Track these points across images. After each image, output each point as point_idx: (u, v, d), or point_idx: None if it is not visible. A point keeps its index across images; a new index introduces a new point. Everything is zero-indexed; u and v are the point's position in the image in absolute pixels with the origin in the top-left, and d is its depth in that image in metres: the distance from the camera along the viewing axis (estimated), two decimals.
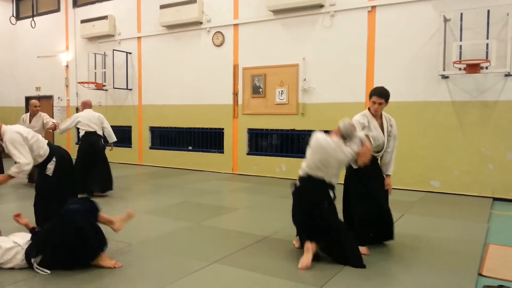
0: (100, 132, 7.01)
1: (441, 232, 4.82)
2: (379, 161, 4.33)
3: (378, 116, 4.20)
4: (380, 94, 4.07)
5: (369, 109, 4.20)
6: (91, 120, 6.93)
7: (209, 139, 10.09)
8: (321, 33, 8.30)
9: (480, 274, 3.51)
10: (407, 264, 3.72)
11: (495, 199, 6.77)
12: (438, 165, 7.28)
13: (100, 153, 6.94)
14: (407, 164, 7.53)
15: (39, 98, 13.36)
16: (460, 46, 6.81)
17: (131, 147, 11.36)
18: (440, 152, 7.25)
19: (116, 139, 7.33)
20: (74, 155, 5.54)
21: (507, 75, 6.58)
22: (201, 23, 9.78)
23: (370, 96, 4.13)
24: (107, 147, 7.17)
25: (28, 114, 7.49)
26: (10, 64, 13.79)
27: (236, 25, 9.34)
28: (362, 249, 3.85)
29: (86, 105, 7.16)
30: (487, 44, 6.62)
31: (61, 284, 3.20)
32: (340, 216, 4.07)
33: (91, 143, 6.89)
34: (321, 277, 3.38)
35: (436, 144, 7.27)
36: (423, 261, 3.80)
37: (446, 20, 6.90)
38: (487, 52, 6.65)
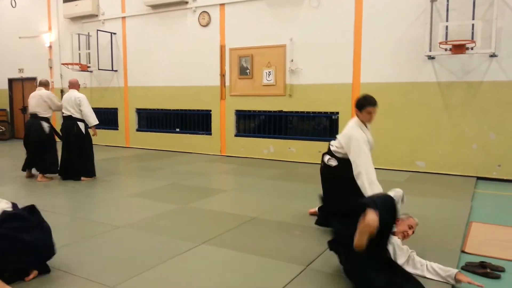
0: (77, 115, 6.63)
1: (426, 210, 4.91)
2: None
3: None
4: (376, 103, 3.83)
5: (358, 118, 3.89)
6: (68, 103, 6.63)
7: (196, 121, 10.05)
8: (308, 14, 8.24)
9: (463, 251, 3.60)
10: None
11: (478, 178, 6.90)
12: (424, 146, 7.37)
13: (78, 138, 6.63)
14: (393, 145, 7.61)
15: (22, 80, 13.16)
16: (446, 26, 6.82)
17: (117, 129, 11.26)
18: (425, 133, 7.34)
19: (95, 122, 6.78)
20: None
21: (492, 55, 6.63)
22: (186, 2, 9.61)
23: (364, 106, 3.80)
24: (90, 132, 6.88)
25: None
26: None
27: (222, 4, 9.21)
28: None
29: (70, 85, 6.87)
30: (473, 25, 6.65)
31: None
32: None
33: (66, 128, 6.66)
34: (308, 256, 3.44)
35: (422, 125, 7.35)
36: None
37: (433, 1, 6.89)
38: (472, 33, 6.69)
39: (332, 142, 4.13)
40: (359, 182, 3.57)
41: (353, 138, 3.72)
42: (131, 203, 5.29)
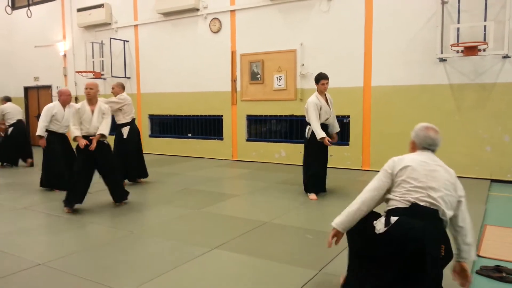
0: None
1: None
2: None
3: (323, 94, 5.75)
4: (327, 77, 5.67)
5: (316, 90, 5.72)
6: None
7: (208, 126, 10.12)
8: (319, 18, 8.26)
9: (477, 255, 3.56)
10: None
11: (492, 180, 6.82)
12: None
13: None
14: (405, 147, 7.51)
15: (37, 88, 13.40)
16: (458, 28, 6.78)
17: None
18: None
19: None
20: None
21: (505, 57, 6.57)
22: (197, 9, 9.71)
23: (319, 80, 5.66)
24: None
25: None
26: (7, 54, 13.74)
27: (233, 11, 9.28)
28: (312, 196, 5.66)
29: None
30: (485, 26, 6.60)
31: (68, 274, 3.27)
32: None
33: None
34: (320, 261, 3.44)
35: None
36: None
37: (443, 3, 6.86)
38: (484, 34, 6.63)
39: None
40: (311, 127, 5.64)
41: (308, 103, 5.63)
42: (145, 208, 5.34)
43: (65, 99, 6.52)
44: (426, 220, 2.39)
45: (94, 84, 5.36)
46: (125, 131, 6.79)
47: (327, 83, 5.66)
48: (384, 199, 2.66)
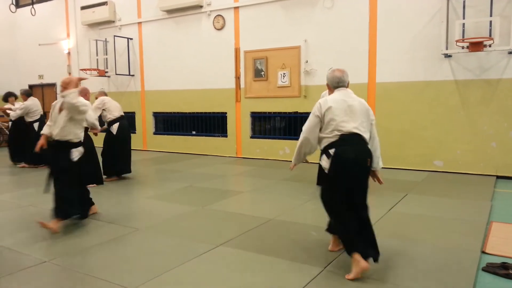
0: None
1: (445, 211, 4.86)
2: None
3: None
4: None
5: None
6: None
7: (212, 124, 10.12)
8: (322, 15, 8.23)
9: (483, 252, 3.54)
10: (410, 243, 3.77)
11: (498, 177, 6.79)
12: (441, 145, 7.28)
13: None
14: (410, 144, 7.54)
15: (42, 86, 13.44)
16: (463, 24, 6.73)
17: (135, 133, 11.40)
18: (443, 132, 7.25)
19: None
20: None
21: (511, 52, 6.52)
22: (201, 6, 9.70)
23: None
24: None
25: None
26: (11, 52, 13.78)
27: (236, 8, 9.26)
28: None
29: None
30: (491, 22, 6.55)
31: (67, 270, 3.28)
32: None
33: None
34: (325, 258, 3.44)
35: (439, 124, 7.26)
36: (426, 240, 3.85)
37: None
38: (490, 30, 6.59)
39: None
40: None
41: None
42: (150, 205, 5.35)
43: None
44: (354, 144, 3.20)
45: (66, 83, 4.38)
46: (114, 128, 6.96)
47: None
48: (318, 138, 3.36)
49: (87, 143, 6.09)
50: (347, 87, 3.43)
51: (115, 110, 7.05)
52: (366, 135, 3.28)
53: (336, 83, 3.42)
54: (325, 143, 3.28)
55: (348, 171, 3.17)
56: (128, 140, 7.25)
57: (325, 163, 3.26)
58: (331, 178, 3.24)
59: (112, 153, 6.95)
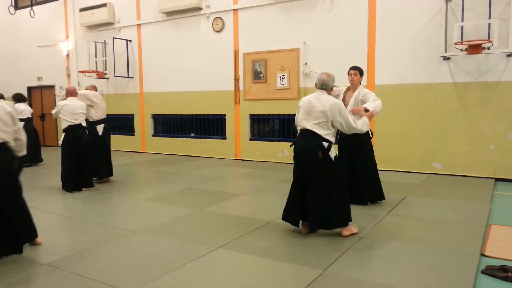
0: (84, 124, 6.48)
1: (444, 213, 4.85)
2: None
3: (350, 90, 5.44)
4: (354, 67, 5.35)
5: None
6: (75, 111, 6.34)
7: (211, 126, 10.11)
8: (322, 17, 8.24)
9: (482, 254, 3.54)
10: (409, 245, 3.77)
11: (497, 179, 6.79)
12: (440, 147, 7.29)
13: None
14: (408, 146, 7.54)
15: (41, 87, 13.43)
16: (462, 26, 6.75)
17: (134, 135, 11.40)
18: (441, 134, 7.26)
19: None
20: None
21: (509, 55, 6.54)
22: (200, 8, 9.71)
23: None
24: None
25: None
26: (10, 54, 13.77)
27: (235, 10, 9.27)
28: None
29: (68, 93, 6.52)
30: (489, 24, 6.56)
31: (62, 275, 3.27)
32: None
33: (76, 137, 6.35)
34: (324, 260, 3.43)
35: (438, 126, 7.27)
36: (425, 242, 3.85)
37: (447, 1, 6.83)
38: (489, 32, 6.60)
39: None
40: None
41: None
42: (148, 208, 5.34)
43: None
44: (306, 138, 3.97)
45: None
46: (100, 128, 6.94)
47: (354, 74, 5.19)
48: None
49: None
50: (329, 90, 3.99)
51: (103, 111, 7.03)
52: (321, 132, 3.89)
53: (320, 85, 3.99)
54: None
55: (296, 160, 4.02)
56: (109, 142, 7.25)
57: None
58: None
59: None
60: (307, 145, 3.94)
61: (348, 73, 5.24)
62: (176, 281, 3.10)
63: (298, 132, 4.08)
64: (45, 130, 13.62)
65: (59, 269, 3.33)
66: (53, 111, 6.51)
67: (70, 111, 6.27)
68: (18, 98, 9.20)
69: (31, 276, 3.23)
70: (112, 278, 3.13)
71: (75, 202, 5.71)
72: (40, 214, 4.99)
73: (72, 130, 6.29)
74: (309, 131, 3.92)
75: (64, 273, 3.25)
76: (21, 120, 8.95)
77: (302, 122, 3.98)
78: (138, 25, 10.90)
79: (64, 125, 6.32)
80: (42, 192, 6.34)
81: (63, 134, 6.37)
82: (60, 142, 6.50)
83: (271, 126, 9.31)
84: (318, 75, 4.00)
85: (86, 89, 7.22)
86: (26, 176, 7.73)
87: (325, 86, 3.96)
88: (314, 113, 3.89)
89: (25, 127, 8.74)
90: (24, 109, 9.07)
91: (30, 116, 9.20)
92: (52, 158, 10.34)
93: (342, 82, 7.98)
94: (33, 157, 8.98)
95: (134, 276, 3.19)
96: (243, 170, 8.24)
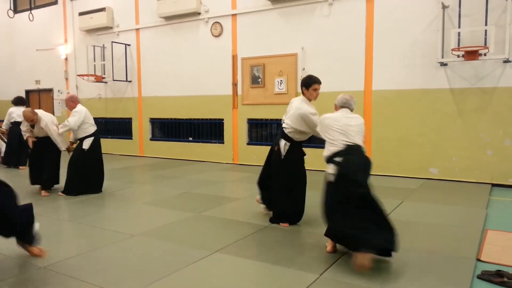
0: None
1: (440, 218, 4.87)
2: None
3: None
4: (320, 81, 4.65)
5: (304, 96, 4.67)
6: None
7: (209, 130, 10.13)
8: (320, 22, 8.29)
9: (478, 260, 3.56)
10: (406, 251, 3.77)
11: (493, 185, 6.82)
12: (437, 152, 7.32)
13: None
14: (405, 152, 7.57)
15: (39, 91, 13.43)
16: (459, 33, 6.80)
17: (131, 139, 11.40)
18: (438, 139, 7.29)
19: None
20: None
21: (506, 61, 6.58)
22: (199, 13, 9.75)
23: (310, 84, 4.57)
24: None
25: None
26: (9, 58, 13.79)
27: (234, 15, 9.32)
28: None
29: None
30: (486, 31, 6.61)
31: (61, 277, 3.27)
32: None
33: None
34: (321, 265, 3.44)
35: (435, 131, 7.31)
36: (422, 247, 3.86)
37: (444, 7, 6.89)
38: (485, 39, 6.65)
39: (285, 125, 4.67)
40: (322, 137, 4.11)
41: (305, 111, 4.48)
42: (146, 211, 5.35)
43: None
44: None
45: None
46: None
47: (319, 89, 4.65)
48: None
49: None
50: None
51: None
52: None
53: (343, 104, 4.02)
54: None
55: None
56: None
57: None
58: None
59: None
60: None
61: (315, 88, 4.60)
62: (173, 285, 3.10)
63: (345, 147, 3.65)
64: None
65: (56, 272, 3.33)
66: (73, 120, 6.13)
67: (90, 115, 6.35)
68: (15, 101, 9.48)
69: (28, 279, 3.22)
70: (110, 282, 3.13)
71: (72, 206, 5.70)
72: (36, 218, 4.98)
73: (97, 134, 6.41)
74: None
75: (62, 277, 3.25)
76: (12, 123, 9.07)
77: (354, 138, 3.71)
78: (137, 29, 10.93)
79: (90, 130, 6.28)
80: (37, 195, 6.33)
81: (91, 139, 6.27)
82: (86, 147, 6.24)
83: (268, 131, 9.33)
84: (339, 97, 4.02)
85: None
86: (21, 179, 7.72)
87: (349, 105, 3.97)
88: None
89: (12, 131, 8.97)
90: (11, 112, 9.21)
91: (19, 120, 9.08)
92: None
93: (339, 87, 8.04)
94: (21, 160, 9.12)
95: (131, 279, 3.19)
96: (240, 174, 8.24)
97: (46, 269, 3.39)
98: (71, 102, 6.36)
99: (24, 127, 6.43)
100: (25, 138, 6.48)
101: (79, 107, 6.28)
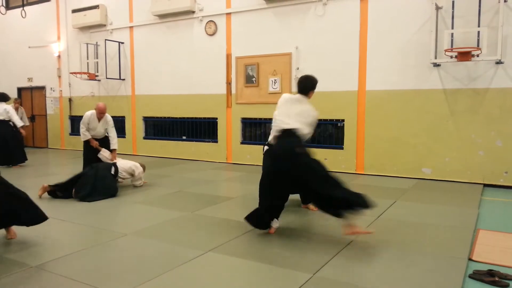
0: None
1: (432, 218, 4.90)
2: None
3: None
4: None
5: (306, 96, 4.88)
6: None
7: (203, 129, 10.11)
8: (314, 22, 8.30)
9: (470, 259, 3.58)
10: (398, 250, 3.80)
11: (485, 185, 6.87)
12: (429, 153, 7.36)
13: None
14: (398, 152, 7.60)
15: (31, 88, 13.31)
16: (452, 34, 6.84)
17: (125, 137, 11.34)
18: (431, 140, 7.33)
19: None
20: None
21: (498, 62, 6.64)
22: (193, 12, 9.72)
23: (314, 88, 4.77)
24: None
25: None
26: (1, 54, 13.68)
27: (228, 14, 9.30)
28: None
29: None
30: (479, 32, 6.66)
31: (59, 276, 3.25)
32: None
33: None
34: (314, 264, 3.44)
35: (427, 132, 7.35)
36: (414, 247, 3.88)
37: (438, 8, 6.93)
38: (478, 40, 6.69)
39: (298, 126, 4.53)
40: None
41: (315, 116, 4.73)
42: (139, 211, 5.32)
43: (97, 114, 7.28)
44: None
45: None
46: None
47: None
48: None
49: None
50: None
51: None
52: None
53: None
54: None
55: None
56: None
57: None
58: None
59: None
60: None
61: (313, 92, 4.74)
62: (166, 284, 3.09)
63: None
64: (35, 132, 13.51)
65: (47, 271, 3.31)
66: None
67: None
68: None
69: (19, 279, 3.20)
70: (101, 281, 3.12)
71: (63, 204, 5.67)
72: None
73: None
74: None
75: (53, 276, 3.22)
76: None
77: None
78: (131, 27, 10.88)
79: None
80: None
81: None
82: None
83: (262, 130, 9.33)
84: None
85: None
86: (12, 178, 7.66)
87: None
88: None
89: None
90: None
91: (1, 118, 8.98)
92: (39, 160, 10.27)
93: (331, 87, 8.06)
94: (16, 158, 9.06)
95: (123, 279, 3.17)
96: (234, 173, 8.24)
97: (38, 268, 3.37)
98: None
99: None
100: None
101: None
